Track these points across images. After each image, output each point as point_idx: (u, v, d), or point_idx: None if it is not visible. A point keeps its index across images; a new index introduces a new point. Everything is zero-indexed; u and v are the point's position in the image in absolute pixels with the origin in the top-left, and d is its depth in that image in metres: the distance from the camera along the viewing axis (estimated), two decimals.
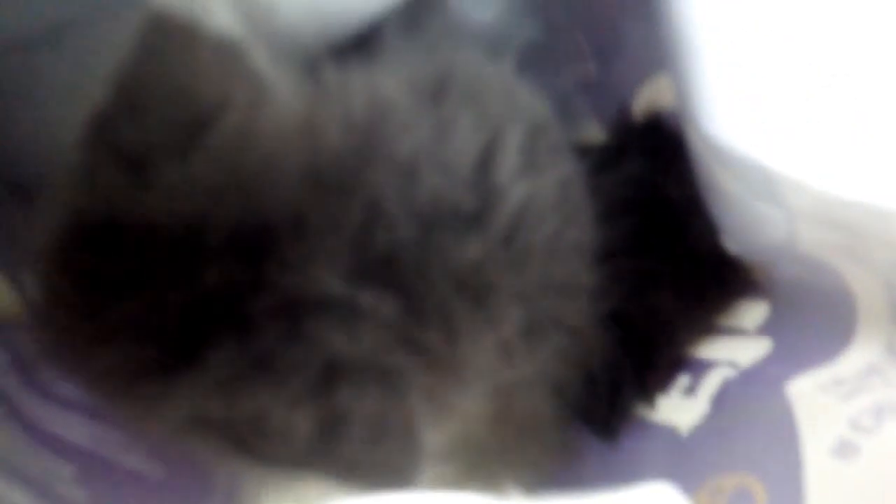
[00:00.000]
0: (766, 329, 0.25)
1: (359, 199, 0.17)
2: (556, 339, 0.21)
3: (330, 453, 0.18)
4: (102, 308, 0.17)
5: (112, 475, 0.22)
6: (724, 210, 0.23)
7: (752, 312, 0.26)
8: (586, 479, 0.25)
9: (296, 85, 0.19)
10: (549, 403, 0.23)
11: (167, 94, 0.18)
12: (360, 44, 0.23)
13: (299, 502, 0.21)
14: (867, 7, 0.17)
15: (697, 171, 0.23)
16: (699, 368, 0.25)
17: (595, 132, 0.31)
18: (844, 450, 0.18)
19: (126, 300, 0.17)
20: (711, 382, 0.24)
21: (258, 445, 0.18)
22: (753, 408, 0.22)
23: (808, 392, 0.20)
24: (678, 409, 0.25)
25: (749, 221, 0.22)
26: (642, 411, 0.26)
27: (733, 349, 0.25)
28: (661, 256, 0.27)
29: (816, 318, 0.23)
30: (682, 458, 0.23)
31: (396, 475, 0.19)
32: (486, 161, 0.19)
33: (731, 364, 0.24)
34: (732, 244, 0.25)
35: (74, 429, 0.22)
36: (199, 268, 0.17)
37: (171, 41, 0.18)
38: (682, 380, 0.26)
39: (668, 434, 0.24)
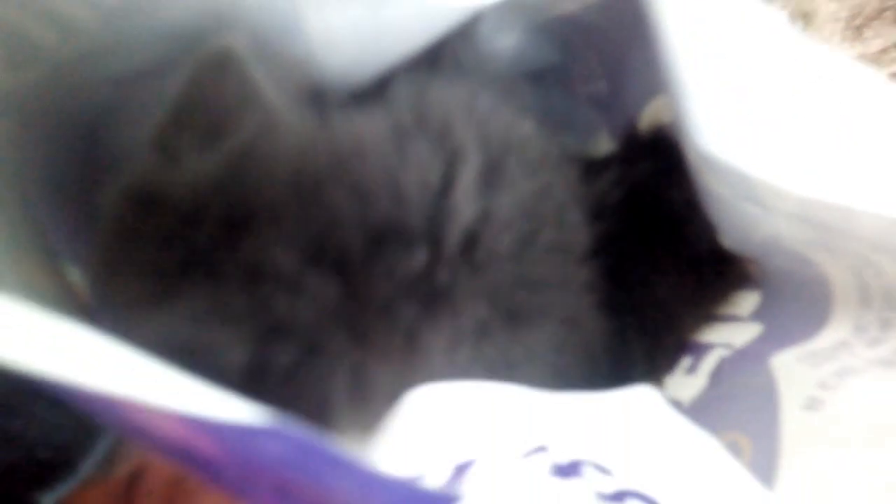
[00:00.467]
0: (757, 315, 0.27)
1: (321, 210, 0.22)
2: (546, 327, 0.24)
3: (256, 391, 0.21)
4: (134, 245, 0.22)
5: None
6: (716, 211, 0.25)
7: (746, 301, 0.28)
8: None
9: (301, 119, 0.24)
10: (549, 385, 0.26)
11: (200, 113, 0.23)
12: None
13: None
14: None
15: (694, 176, 0.25)
16: (699, 350, 0.27)
17: (606, 143, 0.32)
18: (812, 404, 0.20)
19: (148, 243, 0.22)
20: (710, 361, 0.27)
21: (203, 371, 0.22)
22: (743, 379, 0.24)
23: (787, 363, 0.23)
24: (681, 385, 0.27)
25: (738, 220, 0.24)
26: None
27: (729, 333, 0.27)
28: (666, 253, 0.28)
29: (799, 304, 0.25)
30: None
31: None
32: (443, 186, 0.23)
33: (727, 346, 0.27)
34: (727, 241, 0.27)
35: None
36: (198, 230, 0.22)
37: (210, 78, 0.23)
38: (685, 361, 0.28)
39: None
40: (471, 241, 0.23)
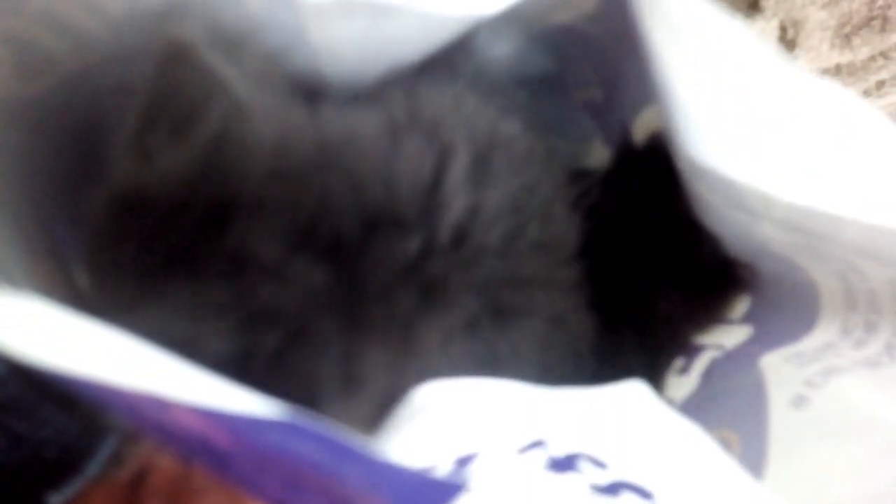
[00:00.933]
0: (747, 318, 0.28)
1: (311, 197, 0.22)
2: (532, 324, 0.25)
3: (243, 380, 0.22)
4: (117, 248, 0.23)
5: None
6: (708, 217, 0.26)
7: (738, 305, 0.28)
8: None
9: (281, 108, 0.24)
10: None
11: (165, 109, 0.23)
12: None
13: None
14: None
15: (686, 184, 0.26)
16: (692, 352, 0.28)
17: (600, 149, 0.33)
18: (799, 402, 0.21)
19: (131, 244, 0.22)
20: (702, 362, 0.27)
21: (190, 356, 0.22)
22: (733, 379, 0.25)
23: (775, 363, 0.23)
24: (674, 385, 0.27)
25: (729, 227, 0.25)
26: None
27: (721, 335, 0.28)
28: (666, 264, 0.29)
29: (788, 307, 0.26)
30: None
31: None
32: (434, 180, 0.24)
33: (718, 347, 0.27)
34: (721, 247, 0.27)
35: None
36: (177, 226, 0.22)
37: (169, 71, 0.23)
38: (678, 362, 0.28)
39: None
40: (461, 235, 0.24)
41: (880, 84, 0.45)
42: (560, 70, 0.33)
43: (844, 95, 0.20)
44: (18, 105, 0.23)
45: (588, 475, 0.16)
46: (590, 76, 0.32)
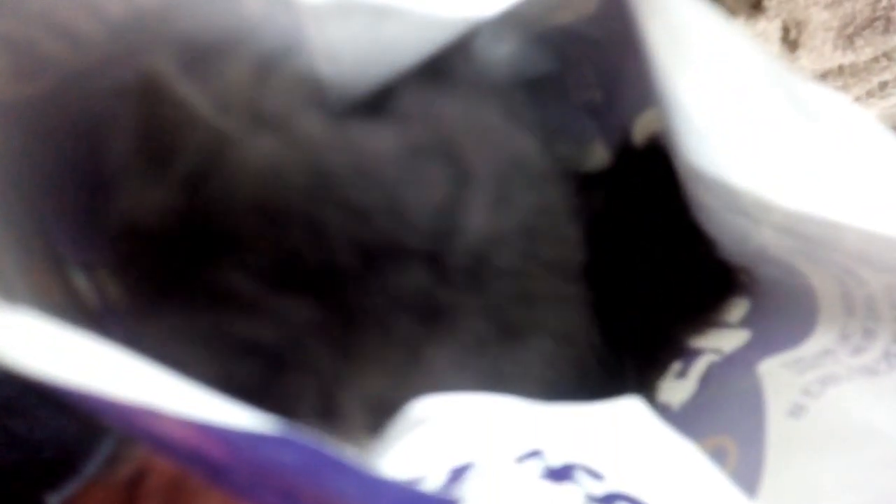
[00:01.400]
0: (745, 322, 0.28)
1: (300, 230, 0.22)
2: (540, 341, 0.25)
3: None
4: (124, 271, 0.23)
5: None
6: (707, 221, 0.26)
7: (735, 308, 0.28)
8: None
9: (270, 138, 0.23)
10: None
11: (145, 142, 0.23)
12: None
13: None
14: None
15: (685, 188, 0.26)
16: (690, 356, 0.28)
17: (600, 151, 0.32)
18: (796, 411, 0.21)
19: (133, 269, 0.23)
20: (699, 366, 0.27)
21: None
22: (731, 385, 0.25)
23: (773, 369, 0.23)
24: (671, 390, 0.27)
25: (727, 231, 0.25)
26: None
27: (719, 339, 0.28)
28: (664, 268, 0.29)
29: (786, 312, 0.26)
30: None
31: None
32: (450, 206, 0.23)
33: (716, 351, 0.27)
34: (720, 251, 0.27)
35: None
36: (171, 256, 0.22)
37: (144, 104, 0.23)
38: (676, 366, 0.28)
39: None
40: (476, 262, 0.23)
41: (883, 85, 0.45)
42: (560, 72, 0.32)
43: (843, 102, 0.20)
44: (16, 106, 0.23)
45: (584, 485, 0.16)
46: (590, 78, 0.32)
